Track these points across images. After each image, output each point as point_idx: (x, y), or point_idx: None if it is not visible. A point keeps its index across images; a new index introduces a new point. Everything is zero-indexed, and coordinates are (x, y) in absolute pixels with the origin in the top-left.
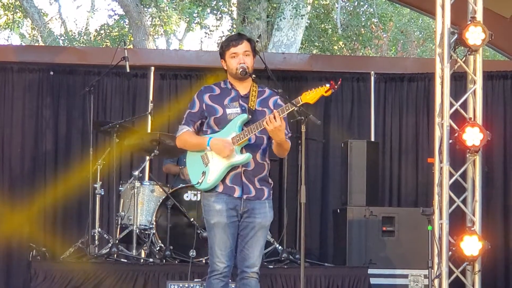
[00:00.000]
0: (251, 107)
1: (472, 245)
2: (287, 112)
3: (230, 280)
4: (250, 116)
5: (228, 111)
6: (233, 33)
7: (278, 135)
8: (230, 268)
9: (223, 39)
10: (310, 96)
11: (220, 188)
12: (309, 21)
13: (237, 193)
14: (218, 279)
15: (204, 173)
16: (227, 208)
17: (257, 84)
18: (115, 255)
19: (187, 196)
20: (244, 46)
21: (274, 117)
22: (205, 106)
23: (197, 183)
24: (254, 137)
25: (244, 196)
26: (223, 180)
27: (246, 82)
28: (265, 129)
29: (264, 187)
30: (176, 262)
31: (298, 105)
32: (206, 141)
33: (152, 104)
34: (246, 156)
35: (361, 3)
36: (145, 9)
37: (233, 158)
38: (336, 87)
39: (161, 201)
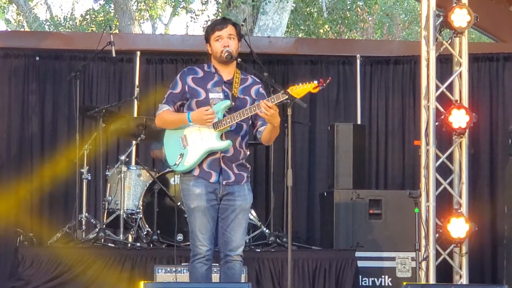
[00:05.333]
0: (234, 94)
1: (459, 227)
2: (274, 104)
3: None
4: (233, 103)
5: (211, 95)
6: (218, 17)
7: (275, 120)
8: (212, 251)
9: (209, 23)
10: (297, 91)
11: (196, 172)
12: (294, 5)
13: (213, 179)
14: (201, 262)
15: (181, 155)
16: (207, 192)
17: (240, 70)
18: (102, 240)
19: (173, 181)
20: (228, 29)
21: (269, 107)
22: (188, 88)
23: (174, 165)
24: (235, 124)
25: (224, 182)
26: (200, 164)
27: (230, 67)
28: (246, 117)
29: (242, 172)
30: (164, 246)
31: (285, 98)
32: (186, 116)
33: (138, 88)
34: (226, 143)
35: None
36: None
37: (213, 144)
38: (324, 85)
39: (148, 185)
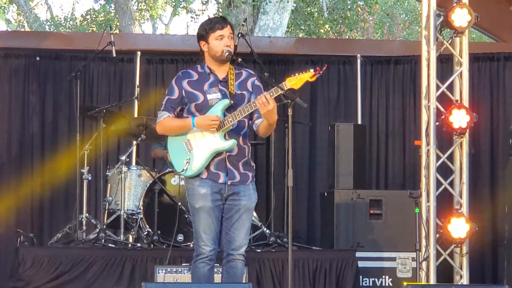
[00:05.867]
0: (231, 92)
1: (459, 227)
2: (273, 97)
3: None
4: (231, 101)
5: (209, 96)
6: (215, 17)
7: (272, 117)
8: (215, 252)
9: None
10: (295, 81)
11: (204, 175)
12: (295, 5)
13: (221, 179)
14: (204, 262)
15: (188, 160)
16: (212, 192)
17: (233, 65)
18: (103, 240)
19: (174, 181)
20: (229, 29)
21: (268, 101)
22: (185, 93)
23: (182, 171)
24: (236, 121)
25: (229, 182)
26: (207, 167)
27: (224, 66)
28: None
29: (247, 171)
30: (164, 246)
31: (283, 91)
32: (190, 121)
33: (138, 88)
34: (231, 142)
35: None
36: None
37: (218, 145)
38: (321, 72)
39: (148, 185)
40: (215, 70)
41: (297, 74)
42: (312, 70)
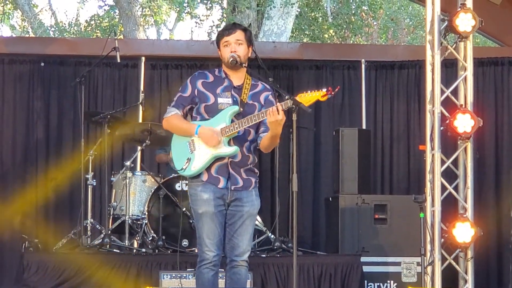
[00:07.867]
0: (243, 100)
1: (464, 232)
2: (282, 110)
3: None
4: (241, 109)
5: (219, 100)
6: (228, 23)
7: (277, 128)
8: (219, 257)
9: (214, 28)
10: (306, 98)
11: (205, 177)
12: (299, 10)
13: (221, 184)
14: (208, 268)
15: (189, 159)
16: (215, 197)
17: (251, 77)
18: (108, 246)
19: (179, 186)
20: (237, 35)
21: (278, 112)
22: (197, 92)
23: (181, 169)
24: (243, 129)
25: (232, 187)
26: (208, 170)
27: (239, 73)
28: (254, 123)
29: (250, 177)
30: (169, 252)
31: (292, 104)
32: (194, 128)
33: (143, 94)
34: (233, 149)
35: None
36: None
37: (220, 149)
38: (332, 93)
39: (153, 191)
40: (230, 76)
41: (308, 91)
42: (324, 90)
